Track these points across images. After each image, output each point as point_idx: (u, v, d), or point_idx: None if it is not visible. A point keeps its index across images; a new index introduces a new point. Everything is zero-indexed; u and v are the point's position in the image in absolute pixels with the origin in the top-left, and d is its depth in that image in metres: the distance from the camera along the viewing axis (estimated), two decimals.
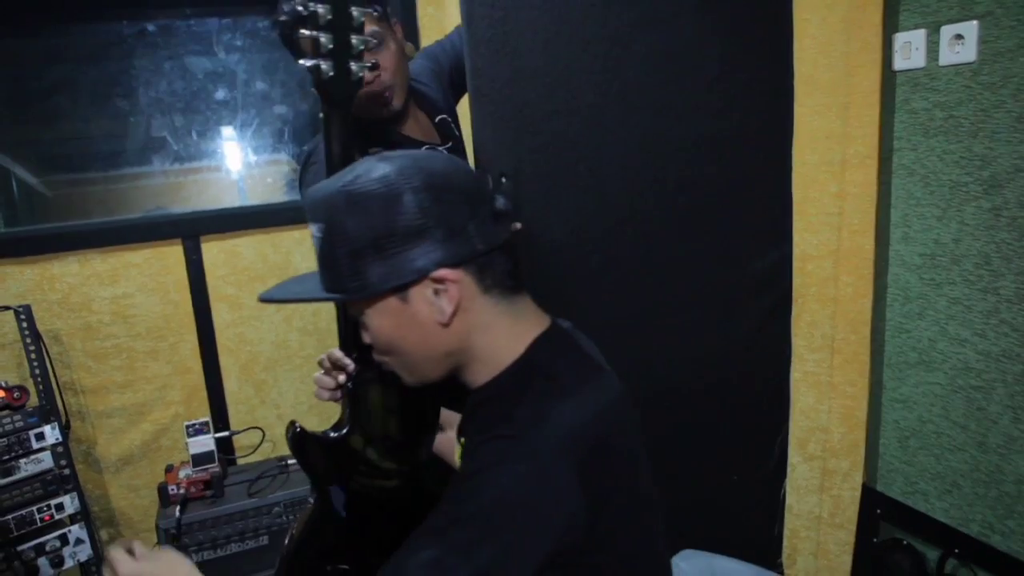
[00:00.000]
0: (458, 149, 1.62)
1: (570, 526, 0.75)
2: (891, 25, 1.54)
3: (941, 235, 1.53)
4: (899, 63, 1.54)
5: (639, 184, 1.64)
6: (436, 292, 0.81)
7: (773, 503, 1.93)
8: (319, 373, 1.21)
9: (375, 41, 1.34)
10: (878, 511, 1.76)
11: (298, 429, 1.12)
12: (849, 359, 1.73)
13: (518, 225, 0.95)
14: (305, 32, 1.00)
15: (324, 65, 1.02)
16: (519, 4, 1.48)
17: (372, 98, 1.38)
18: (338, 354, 1.19)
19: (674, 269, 1.72)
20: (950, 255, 1.52)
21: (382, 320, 0.85)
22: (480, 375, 0.89)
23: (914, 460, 1.69)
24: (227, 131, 2.34)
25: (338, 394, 1.20)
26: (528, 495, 0.74)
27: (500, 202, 0.85)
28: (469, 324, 0.84)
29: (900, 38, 1.53)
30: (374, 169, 0.81)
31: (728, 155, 1.67)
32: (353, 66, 1.04)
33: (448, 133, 1.60)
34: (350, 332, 1.19)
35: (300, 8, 0.98)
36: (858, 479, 1.78)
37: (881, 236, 1.65)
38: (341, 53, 1.03)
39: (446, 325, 0.83)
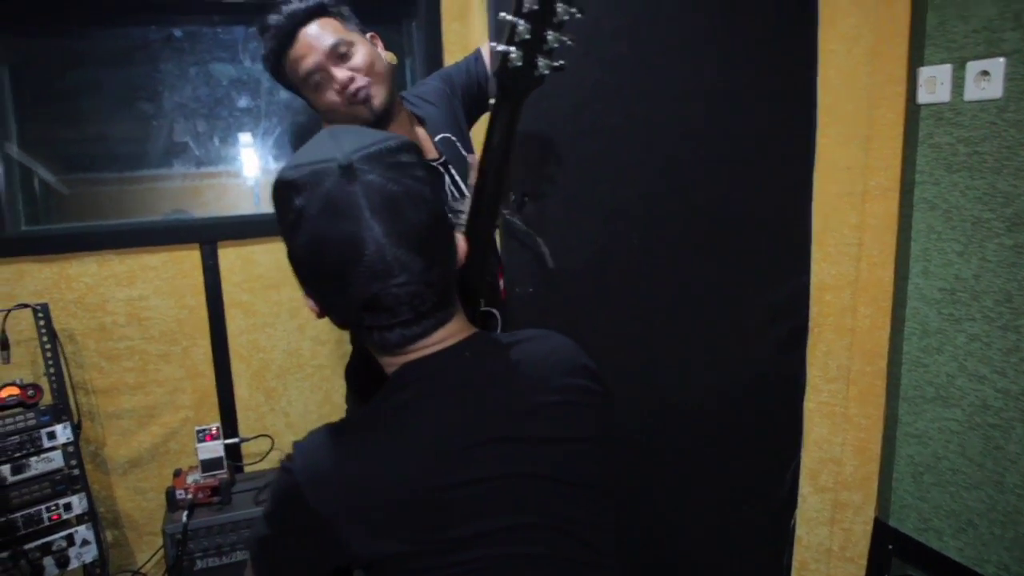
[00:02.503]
0: (459, 166, 1.62)
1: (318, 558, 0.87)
2: (916, 59, 1.54)
3: (962, 270, 1.52)
4: (923, 97, 1.54)
5: (661, 208, 1.64)
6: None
7: (782, 534, 1.91)
8: None
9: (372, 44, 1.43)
10: (890, 547, 1.74)
11: None
12: (865, 391, 1.72)
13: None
14: (506, 16, 1.01)
15: (514, 54, 1.03)
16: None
17: (348, 97, 1.43)
18: None
19: (692, 294, 1.72)
20: (970, 291, 1.52)
21: None
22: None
23: (928, 496, 1.67)
24: (248, 138, 2.35)
25: None
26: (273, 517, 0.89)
27: (367, 305, 0.84)
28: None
29: (925, 72, 1.53)
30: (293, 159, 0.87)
31: (750, 183, 1.67)
32: (540, 61, 1.05)
33: (449, 151, 1.59)
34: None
35: None
36: (870, 513, 1.76)
37: (900, 269, 1.64)
38: (534, 45, 1.03)
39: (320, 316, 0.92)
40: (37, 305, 1.91)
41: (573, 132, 1.55)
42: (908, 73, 1.52)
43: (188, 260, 2.15)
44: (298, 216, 0.81)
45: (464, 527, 0.84)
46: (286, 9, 1.41)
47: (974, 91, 1.45)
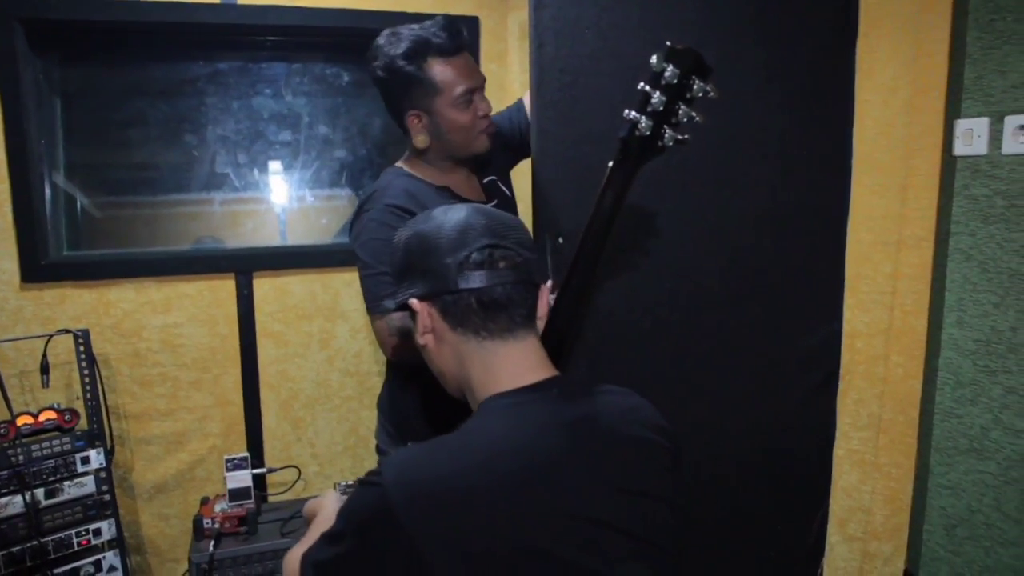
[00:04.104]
0: (506, 206, 1.67)
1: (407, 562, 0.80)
2: (953, 111, 1.56)
3: (998, 322, 1.52)
4: (960, 149, 1.55)
5: (694, 253, 1.65)
6: (416, 317, 0.99)
7: None
8: None
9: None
10: None
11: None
12: (895, 440, 1.71)
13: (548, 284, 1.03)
14: (644, 87, 1.05)
15: (643, 123, 1.06)
16: (588, 70, 1.52)
17: (486, 128, 1.53)
18: None
19: (724, 339, 1.72)
20: (1007, 343, 1.51)
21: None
22: (473, 408, 0.99)
23: (961, 550, 1.65)
24: (286, 170, 2.41)
25: None
26: (349, 523, 0.86)
27: (480, 255, 0.95)
28: (447, 353, 0.99)
29: (962, 124, 1.54)
30: (412, 220, 1.04)
31: (784, 229, 1.68)
32: (666, 132, 1.07)
33: (495, 192, 1.67)
34: None
35: (653, 62, 1.03)
36: (900, 564, 1.73)
37: (934, 318, 1.64)
38: (664, 117, 1.06)
39: (424, 346, 1.01)
40: (78, 331, 1.95)
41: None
42: (944, 125, 1.54)
43: (223, 289, 2.19)
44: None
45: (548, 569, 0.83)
46: (455, 26, 1.48)
47: (1012, 145, 1.46)
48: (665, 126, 1.07)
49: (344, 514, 0.88)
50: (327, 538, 0.88)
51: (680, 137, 1.09)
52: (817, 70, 1.65)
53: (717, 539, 1.81)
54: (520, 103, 1.75)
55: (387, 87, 1.51)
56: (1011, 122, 1.46)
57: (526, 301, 0.98)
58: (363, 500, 0.86)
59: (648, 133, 1.07)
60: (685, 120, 1.08)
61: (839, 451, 1.82)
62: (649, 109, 1.05)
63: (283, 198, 2.44)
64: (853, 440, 1.80)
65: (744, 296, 1.71)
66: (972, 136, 1.53)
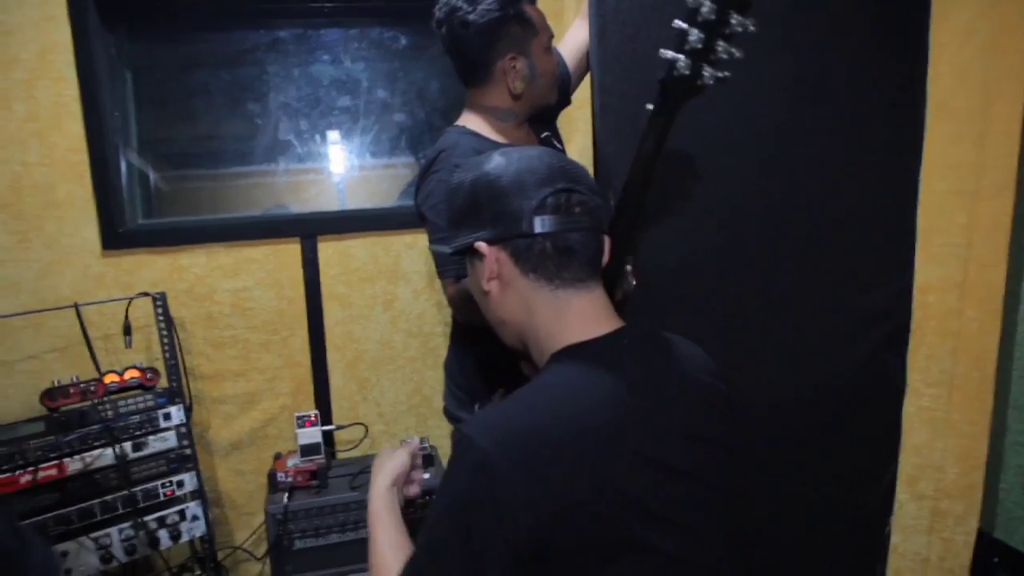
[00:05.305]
0: None
1: (516, 534, 0.78)
2: None
3: None
4: None
5: (760, 207, 1.62)
6: (483, 261, 0.96)
7: (876, 541, 1.86)
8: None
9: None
10: (995, 559, 1.68)
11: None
12: (970, 397, 1.67)
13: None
14: (680, 24, 1.02)
15: (681, 62, 1.04)
16: (651, 22, 1.49)
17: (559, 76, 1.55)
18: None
19: (788, 294, 1.69)
20: None
21: (469, 279, 1.05)
22: (537, 358, 0.98)
23: None
24: (348, 136, 2.44)
25: None
26: (469, 496, 0.81)
27: (557, 199, 0.93)
28: (513, 300, 0.96)
29: None
30: (470, 162, 1.01)
31: (852, 179, 1.63)
32: (706, 72, 1.05)
33: (551, 147, 1.67)
34: None
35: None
36: (973, 524, 1.70)
37: (1013, 271, 1.58)
38: (703, 55, 1.04)
39: (486, 293, 0.98)
40: (156, 294, 2.04)
41: (674, 131, 1.55)
42: None
43: (289, 253, 2.25)
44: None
45: (641, 524, 0.84)
46: None
47: None
48: (704, 64, 1.04)
49: (448, 482, 0.84)
50: (435, 518, 0.84)
51: (720, 75, 1.06)
52: (888, 12, 1.59)
53: (783, 498, 1.80)
54: (558, 53, 1.73)
55: (480, 33, 1.46)
56: None
57: (598, 249, 0.98)
58: (464, 460, 0.82)
59: (687, 73, 1.03)
60: (725, 57, 1.04)
61: (909, 408, 1.78)
62: (687, 48, 1.02)
63: (344, 165, 2.48)
64: (924, 397, 1.76)
65: (810, 251, 1.67)
66: None
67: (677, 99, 1.09)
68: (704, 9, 0.99)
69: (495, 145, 1.53)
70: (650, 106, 1.12)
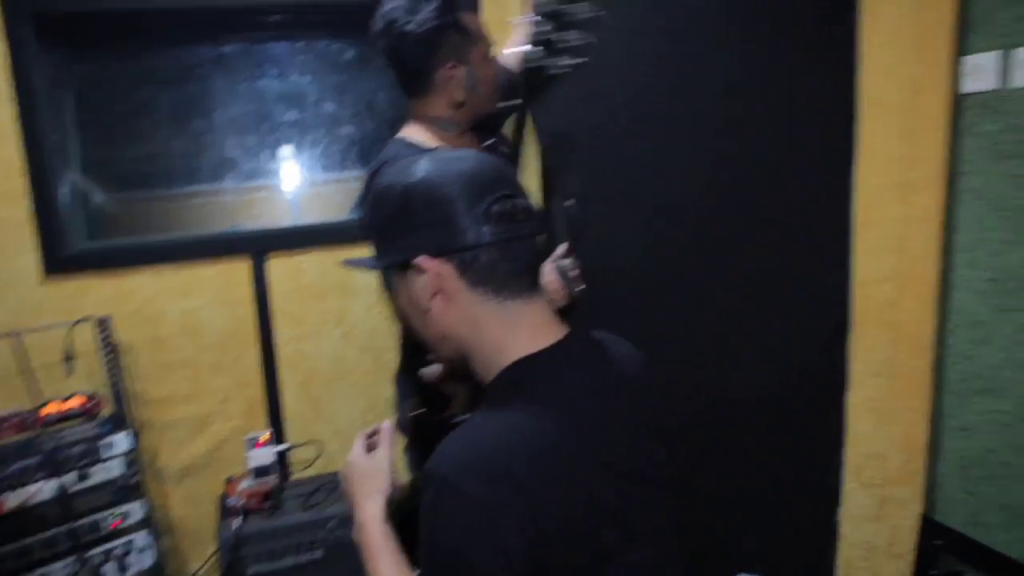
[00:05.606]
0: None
1: (509, 564, 0.76)
2: (960, 48, 1.54)
3: (1010, 260, 1.53)
4: (968, 86, 1.54)
5: (702, 206, 1.66)
6: (423, 276, 0.88)
7: (826, 529, 1.91)
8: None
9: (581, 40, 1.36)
10: (938, 542, 1.73)
11: (420, 411, 1.13)
12: (910, 385, 1.72)
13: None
14: (521, 19, 1.08)
15: (531, 53, 1.08)
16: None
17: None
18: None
19: (733, 291, 1.73)
20: (1018, 281, 1.52)
21: (399, 297, 0.96)
22: (483, 375, 0.93)
23: (977, 491, 1.66)
24: (296, 150, 2.43)
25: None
26: (462, 541, 0.77)
27: (502, 205, 0.87)
28: (455, 315, 0.90)
29: (969, 61, 1.53)
30: (398, 165, 0.93)
31: (790, 178, 1.69)
32: (559, 60, 1.09)
33: (496, 155, 1.67)
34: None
35: None
36: (917, 508, 1.75)
37: (945, 261, 1.65)
38: (552, 44, 1.08)
39: (427, 310, 0.90)
40: (99, 318, 1.98)
41: (615, 132, 1.59)
42: (952, 63, 1.53)
43: (239, 272, 2.21)
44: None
45: (614, 531, 0.84)
46: None
47: (1021, 78, 1.45)
48: (556, 54, 1.09)
49: (430, 529, 0.79)
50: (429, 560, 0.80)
51: (574, 61, 1.10)
52: (819, 12, 1.65)
53: (733, 491, 1.83)
54: (502, 60, 1.75)
55: (419, 43, 1.46)
56: (1019, 54, 1.44)
57: (538, 255, 0.96)
58: (445, 511, 0.78)
59: (540, 63, 1.08)
60: (580, 44, 1.09)
61: (853, 399, 1.83)
62: (536, 40, 1.07)
63: (295, 180, 2.46)
64: (867, 387, 1.81)
65: (751, 248, 1.72)
66: (980, 72, 1.52)
67: (534, 89, 1.12)
68: (544, 3, 1.05)
69: None
70: (512, 103, 1.16)
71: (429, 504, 0.79)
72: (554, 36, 1.07)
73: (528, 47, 1.07)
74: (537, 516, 0.77)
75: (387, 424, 1.08)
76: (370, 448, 1.07)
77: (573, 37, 1.09)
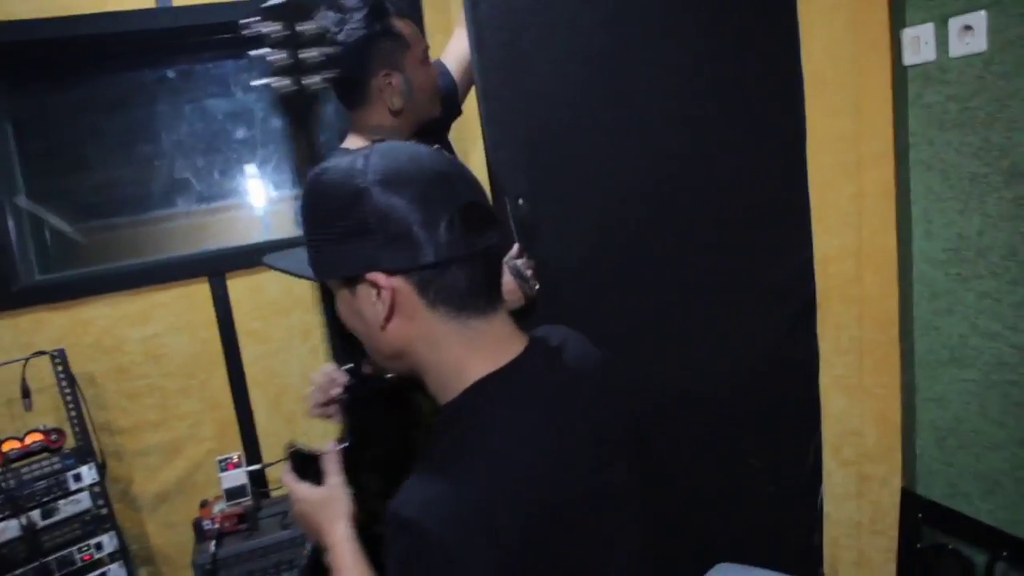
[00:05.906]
0: None
1: None
2: (898, 21, 1.53)
3: (964, 228, 1.51)
4: (909, 58, 1.53)
5: (655, 199, 1.64)
6: (377, 294, 0.79)
7: (810, 512, 1.89)
8: (312, 388, 1.18)
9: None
10: (919, 515, 1.71)
11: (296, 447, 1.09)
12: (879, 360, 1.71)
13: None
14: (255, 53, 1.03)
15: (277, 83, 1.03)
16: (526, 24, 1.51)
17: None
18: (330, 368, 1.18)
19: (696, 282, 1.71)
20: (975, 248, 1.50)
21: (340, 305, 0.86)
22: (437, 392, 0.86)
23: (953, 460, 1.65)
24: (248, 169, 2.39)
25: (329, 410, 1.16)
26: None
27: (466, 216, 0.78)
28: (413, 334, 0.81)
29: (908, 33, 1.52)
30: (346, 160, 0.81)
31: (742, 163, 1.67)
32: (307, 80, 1.04)
33: None
34: (338, 345, 1.19)
35: (258, 28, 1.01)
36: (897, 483, 1.73)
37: (903, 233, 1.63)
38: (295, 68, 1.04)
39: (383, 328, 0.81)
40: (54, 351, 1.95)
41: (560, 129, 1.56)
42: (891, 36, 1.52)
43: (198, 294, 2.18)
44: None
45: (588, 554, 0.82)
46: None
47: (959, 47, 1.44)
48: (303, 74, 1.05)
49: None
50: None
51: (326, 76, 1.07)
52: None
53: (714, 482, 1.82)
54: (442, 64, 1.72)
55: (350, 53, 1.43)
56: (955, 24, 1.43)
57: (500, 266, 0.89)
58: (422, 562, 0.73)
59: (293, 89, 1.04)
60: (323, 59, 1.05)
61: (825, 379, 1.82)
62: (277, 69, 1.03)
63: (249, 198, 2.42)
64: (837, 366, 1.80)
65: (711, 238, 1.70)
66: (919, 43, 1.50)
67: (300, 112, 1.09)
68: (268, 30, 1.01)
69: None
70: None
71: (401, 551, 0.74)
72: (292, 61, 1.03)
73: (267, 80, 1.04)
74: (512, 563, 0.73)
75: (331, 445, 1.04)
76: (309, 475, 1.01)
77: (313, 55, 1.05)
